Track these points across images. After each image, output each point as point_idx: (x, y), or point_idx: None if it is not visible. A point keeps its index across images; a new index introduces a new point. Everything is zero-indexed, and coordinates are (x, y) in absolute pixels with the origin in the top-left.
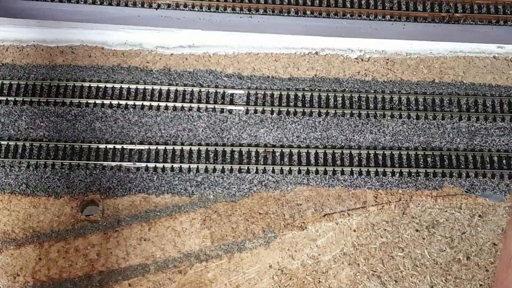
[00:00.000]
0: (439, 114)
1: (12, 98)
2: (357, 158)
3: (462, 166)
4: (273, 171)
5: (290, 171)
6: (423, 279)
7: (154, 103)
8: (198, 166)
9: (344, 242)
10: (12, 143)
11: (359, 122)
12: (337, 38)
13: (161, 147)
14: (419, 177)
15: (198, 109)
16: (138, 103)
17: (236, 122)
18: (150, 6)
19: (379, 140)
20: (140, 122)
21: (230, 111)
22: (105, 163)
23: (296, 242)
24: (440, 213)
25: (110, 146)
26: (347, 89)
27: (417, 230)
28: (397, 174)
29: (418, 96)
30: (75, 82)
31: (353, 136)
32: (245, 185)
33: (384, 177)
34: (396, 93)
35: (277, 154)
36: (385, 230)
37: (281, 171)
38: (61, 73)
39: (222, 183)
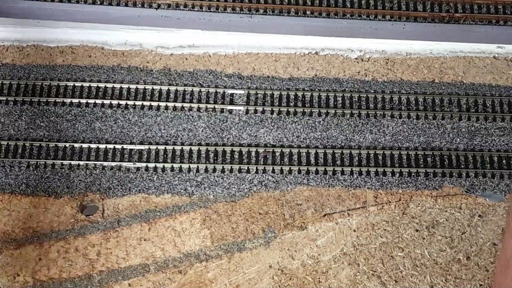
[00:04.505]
0: (439, 114)
1: (12, 98)
2: (357, 158)
3: (462, 166)
4: (273, 171)
5: (290, 171)
6: (423, 279)
7: (154, 103)
8: (198, 166)
9: (344, 242)
10: (12, 143)
11: (359, 122)
12: (337, 38)
13: (161, 147)
14: (419, 177)
15: (198, 109)
16: (138, 103)
17: (236, 122)
18: (150, 6)
19: (379, 140)
20: (140, 122)
21: (230, 111)
22: (105, 163)
23: (296, 242)
24: (440, 213)
25: (110, 146)
26: (347, 89)
27: (417, 230)
28: (397, 174)
29: (418, 96)
30: (75, 82)
31: (353, 136)
32: (245, 185)
33: (384, 177)
34: (396, 93)
35: (277, 154)
36: (385, 230)
37: (281, 171)
38: (61, 73)
39: (222, 183)
